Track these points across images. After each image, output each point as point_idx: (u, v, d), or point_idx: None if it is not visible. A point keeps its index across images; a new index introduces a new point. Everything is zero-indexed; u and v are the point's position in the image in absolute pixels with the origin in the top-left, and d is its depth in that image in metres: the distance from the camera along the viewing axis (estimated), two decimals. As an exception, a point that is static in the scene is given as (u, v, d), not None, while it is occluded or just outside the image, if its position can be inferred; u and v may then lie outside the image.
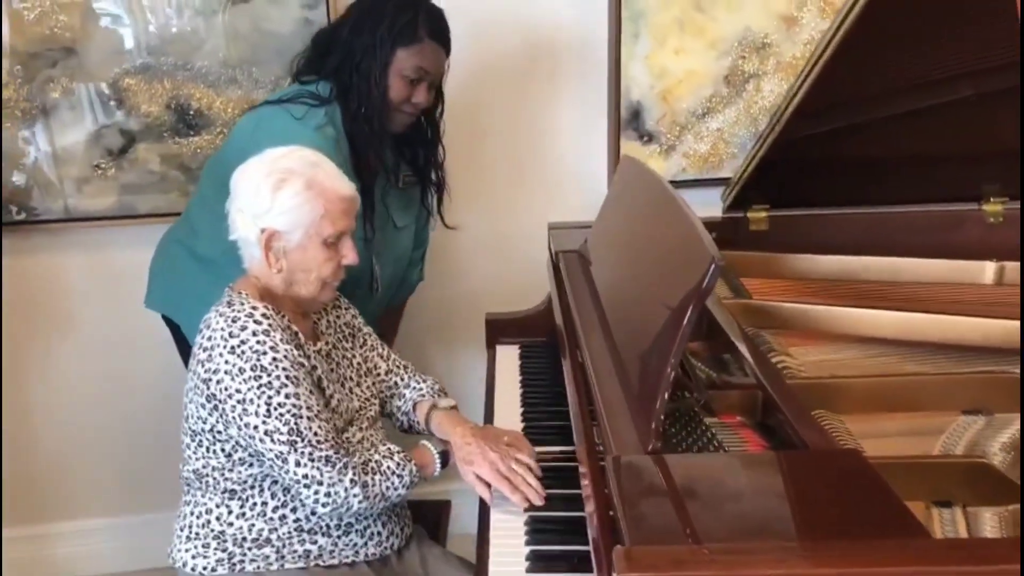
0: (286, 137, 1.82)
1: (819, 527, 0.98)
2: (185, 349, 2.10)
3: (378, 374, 1.79)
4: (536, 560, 1.38)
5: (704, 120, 2.57)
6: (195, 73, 2.39)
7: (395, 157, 2.09)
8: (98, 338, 2.56)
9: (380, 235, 2.04)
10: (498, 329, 2.31)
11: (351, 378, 1.70)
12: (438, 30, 1.94)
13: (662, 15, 2.48)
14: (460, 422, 1.67)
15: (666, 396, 1.18)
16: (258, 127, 1.93)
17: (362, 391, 1.71)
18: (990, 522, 1.18)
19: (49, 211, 2.43)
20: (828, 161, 2.16)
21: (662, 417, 1.18)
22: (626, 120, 2.55)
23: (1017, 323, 1.65)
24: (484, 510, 1.56)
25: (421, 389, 1.77)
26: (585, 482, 1.24)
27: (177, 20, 2.35)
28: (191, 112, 2.41)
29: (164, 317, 2.14)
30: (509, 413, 1.88)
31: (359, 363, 1.75)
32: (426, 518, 1.89)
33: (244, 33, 2.37)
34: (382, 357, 1.81)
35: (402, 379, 1.80)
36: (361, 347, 1.78)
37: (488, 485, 1.55)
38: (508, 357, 2.19)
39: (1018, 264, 2.00)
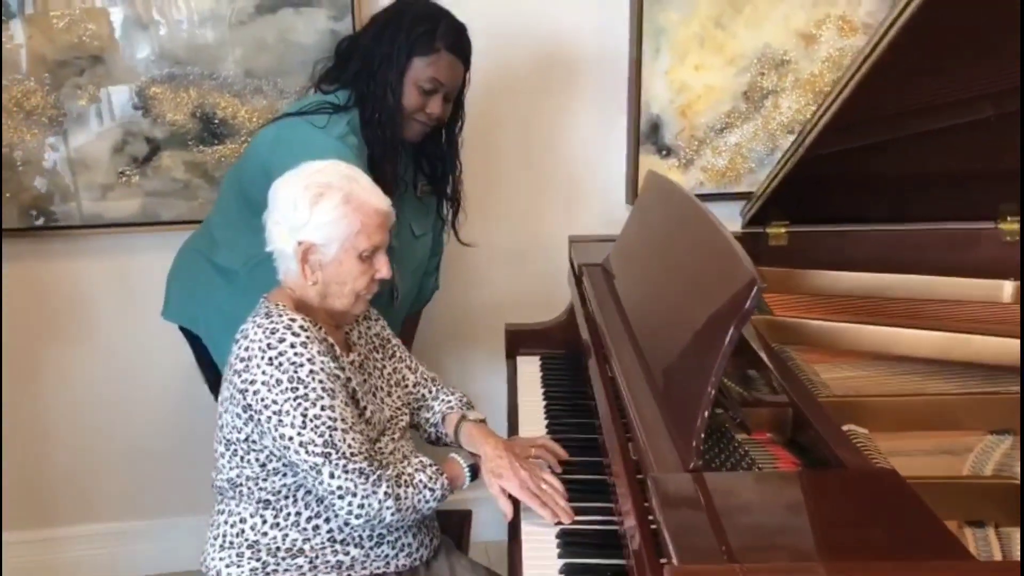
0: (309, 147, 1.85)
1: (864, 547, 1.00)
2: (205, 360, 2.12)
3: (406, 386, 1.81)
4: (570, 573, 1.40)
5: (722, 135, 2.59)
6: (221, 82, 2.41)
7: (412, 167, 2.11)
8: (115, 344, 2.58)
9: (399, 244, 2.06)
10: (518, 340, 2.34)
11: (382, 388, 1.72)
12: (457, 43, 1.96)
13: (683, 31, 2.50)
14: (491, 435, 1.69)
15: (707, 415, 1.20)
16: (278, 139, 1.94)
17: (392, 401, 1.73)
18: (1021, 542, 1.20)
19: (70, 217, 2.45)
20: (847, 178, 2.19)
21: (702, 435, 1.20)
22: (645, 134, 2.57)
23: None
24: (514, 522, 1.58)
25: (450, 402, 1.79)
26: (624, 498, 1.26)
27: (203, 30, 2.37)
28: (216, 121, 2.43)
29: (182, 328, 2.15)
30: (533, 424, 1.91)
31: (389, 374, 1.77)
32: (449, 527, 1.91)
33: (270, 44, 2.39)
34: (410, 369, 1.83)
35: (430, 391, 1.82)
36: (391, 358, 1.80)
37: (511, 499, 1.57)
38: (529, 368, 2.21)
39: (1037, 284, 2.03)
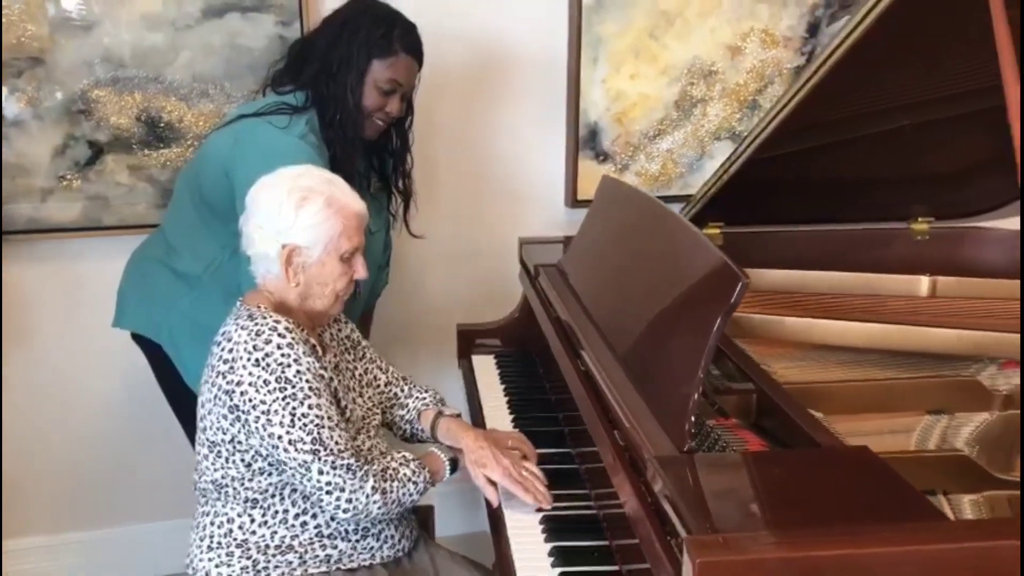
0: (272, 147, 1.88)
1: (854, 513, 1.12)
2: (163, 368, 2.10)
3: (378, 386, 1.86)
4: (559, 555, 1.48)
5: (655, 141, 2.73)
6: (167, 86, 2.39)
7: (365, 164, 2.16)
8: (56, 351, 2.52)
9: None
10: (470, 340, 2.41)
11: (354, 388, 1.77)
12: (412, 45, 2.03)
13: (619, 42, 2.62)
14: (470, 428, 1.76)
15: (696, 400, 1.31)
16: (239, 141, 1.96)
17: (364, 402, 1.78)
18: (970, 506, 1.36)
19: (10, 222, 2.39)
20: (778, 183, 2.34)
21: (692, 419, 1.31)
22: (584, 140, 2.68)
23: (959, 331, 1.87)
24: (494, 513, 1.65)
25: (424, 399, 1.86)
26: (621, 482, 1.35)
27: (149, 33, 2.35)
28: (162, 125, 2.42)
29: (137, 337, 2.14)
30: (499, 421, 1.98)
31: (360, 375, 1.81)
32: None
33: (217, 48, 2.39)
34: (381, 369, 1.88)
35: (402, 390, 1.88)
36: (361, 360, 1.84)
37: (495, 488, 1.65)
38: (486, 367, 2.29)
39: (949, 279, 2.22)
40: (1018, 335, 1.85)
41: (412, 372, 2.72)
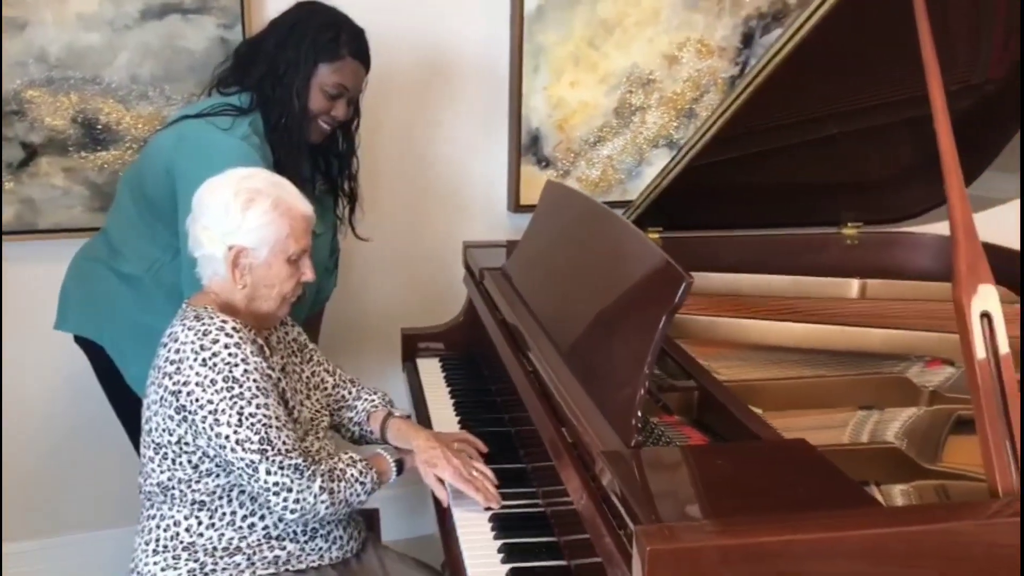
0: (215, 148, 1.88)
1: (793, 502, 1.16)
2: (105, 371, 2.07)
3: (325, 388, 1.86)
4: (510, 552, 1.51)
5: (595, 148, 2.78)
6: (104, 87, 2.36)
7: (311, 167, 2.16)
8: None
9: None
10: (414, 343, 2.42)
11: (301, 391, 1.77)
12: (359, 49, 2.04)
13: (560, 50, 2.67)
14: (420, 429, 1.78)
15: (642, 396, 1.35)
16: (182, 141, 1.95)
17: (312, 404, 1.78)
18: (900, 495, 1.42)
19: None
20: (715, 189, 2.41)
21: (639, 415, 1.35)
22: (526, 146, 2.72)
23: (888, 331, 1.95)
24: (443, 513, 1.67)
25: (373, 400, 1.86)
26: (570, 479, 1.38)
27: (86, 33, 2.31)
28: (99, 127, 2.38)
29: (79, 340, 2.10)
30: (445, 422, 2.00)
31: (308, 377, 1.81)
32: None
33: (157, 49, 2.37)
34: (328, 372, 1.88)
35: (350, 392, 1.89)
36: (308, 362, 1.84)
37: (444, 487, 1.67)
38: (431, 370, 2.30)
39: (878, 281, 2.31)
40: (943, 334, 1.95)
41: (356, 375, 2.74)
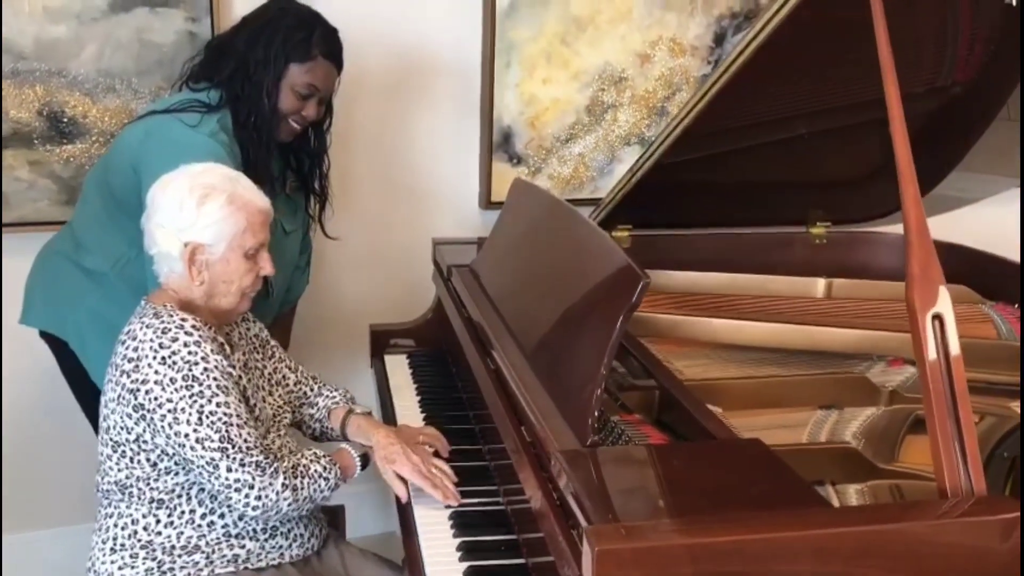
0: (182, 144, 1.87)
1: (746, 501, 1.17)
2: (70, 366, 2.06)
3: (287, 385, 1.85)
4: (468, 550, 1.51)
5: (567, 145, 2.78)
6: (71, 80, 2.34)
7: (282, 165, 2.15)
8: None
9: (272, 241, 2.09)
10: (382, 340, 2.42)
11: (263, 388, 1.76)
12: (331, 49, 2.03)
13: (532, 47, 2.67)
14: (380, 425, 1.78)
15: (598, 396, 1.35)
16: (149, 136, 1.93)
17: (274, 400, 1.78)
18: (855, 495, 1.43)
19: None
20: (685, 187, 2.42)
21: (595, 415, 1.35)
22: (497, 143, 2.72)
23: (852, 331, 1.97)
24: (404, 510, 1.67)
25: (334, 397, 1.86)
26: (527, 478, 1.39)
27: (52, 25, 2.29)
28: (65, 120, 2.36)
29: (44, 334, 2.09)
30: (410, 419, 2.00)
31: (270, 374, 1.81)
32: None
33: (125, 42, 2.35)
34: (290, 369, 1.88)
35: (312, 389, 1.88)
36: (270, 359, 1.84)
37: (405, 483, 1.67)
38: (398, 366, 2.30)
39: (844, 281, 2.33)
40: (907, 334, 1.96)
41: (325, 372, 2.71)
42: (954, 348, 1.24)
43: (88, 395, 2.02)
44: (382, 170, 2.70)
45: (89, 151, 2.38)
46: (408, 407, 2.06)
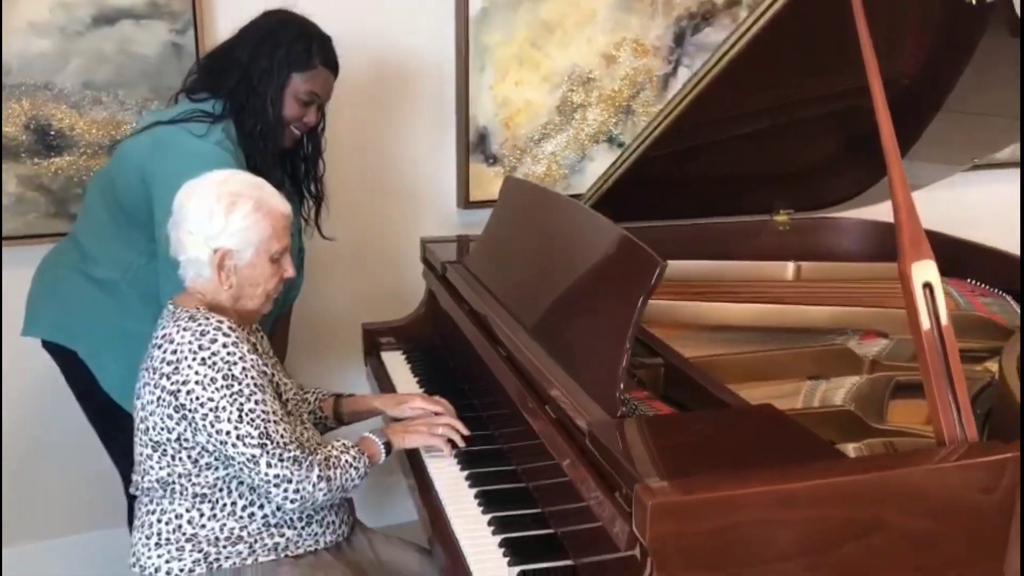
0: (192, 153, 1.93)
1: (774, 457, 1.30)
2: (76, 374, 2.09)
3: (292, 387, 1.92)
4: (500, 525, 1.61)
5: (540, 145, 2.90)
6: (57, 93, 2.36)
7: (279, 170, 2.22)
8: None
9: None
10: (376, 338, 2.50)
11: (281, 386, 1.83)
12: (329, 57, 2.12)
13: (504, 50, 2.78)
14: (372, 395, 1.93)
15: (623, 370, 1.47)
16: (156, 146, 1.99)
17: (291, 398, 1.84)
18: (854, 452, 1.57)
19: None
20: (656, 182, 2.55)
21: (621, 388, 1.47)
22: (474, 144, 2.82)
23: (826, 308, 2.13)
24: (423, 481, 1.79)
25: (319, 390, 1.99)
26: (562, 452, 1.49)
27: (37, 39, 2.32)
28: (52, 133, 2.38)
29: (49, 345, 2.12)
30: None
31: (280, 376, 1.88)
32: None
33: (109, 55, 2.38)
34: (285, 373, 1.95)
35: (302, 388, 1.97)
36: (276, 365, 1.91)
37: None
38: (396, 362, 2.38)
39: (811, 263, 2.49)
40: (876, 309, 2.13)
41: (317, 372, 2.80)
42: (943, 312, 1.39)
43: (95, 404, 2.06)
44: (361, 173, 2.77)
45: (77, 163, 2.41)
46: (414, 399, 2.14)
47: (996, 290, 2.29)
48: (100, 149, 2.42)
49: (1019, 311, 2.17)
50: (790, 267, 2.50)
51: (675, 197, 2.60)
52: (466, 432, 1.86)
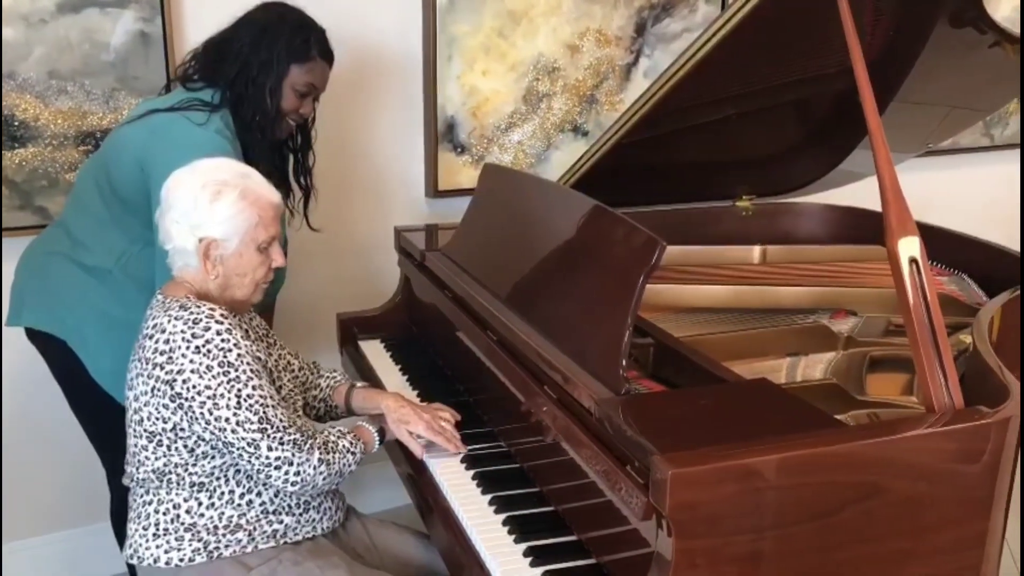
0: (192, 141, 1.91)
1: (777, 427, 1.35)
2: (63, 364, 2.05)
3: (292, 370, 1.93)
4: (501, 503, 1.64)
5: (507, 134, 2.92)
6: (20, 83, 2.30)
7: (269, 161, 2.21)
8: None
9: None
10: (351, 327, 2.50)
11: (274, 373, 1.83)
12: (326, 49, 2.13)
13: (471, 40, 2.79)
14: (385, 392, 1.91)
15: (625, 348, 1.51)
16: (155, 134, 1.96)
17: (286, 384, 1.84)
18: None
19: None
20: (625, 169, 2.60)
21: (624, 365, 1.50)
22: (442, 133, 2.83)
23: (798, 289, 2.20)
24: (417, 466, 1.81)
25: (335, 376, 1.97)
26: (565, 429, 1.52)
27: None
28: (16, 123, 2.32)
29: (33, 334, 2.07)
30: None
31: (276, 361, 1.87)
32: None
33: (75, 43, 2.33)
34: (292, 355, 1.95)
35: (313, 372, 1.97)
36: (274, 347, 1.90)
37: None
38: (375, 350, 2.39)
39: (775, 247, 2.57)
40: (844, 289, 2.22)
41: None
42: (928, 287, 1.46)
43: (82, 394, 2.03)
44: (330, 164, 2.73)
45: (43, 155, 2.35)
46: (398, 386, 2.15)
47: (953, 270, 2.40)
48: (66, 140, 2.36)
49: (978, 289, 2.27)
50: (756, 251, 2.57)
51: (641, 184, 2.66)
52: (458, 438, 1.84)
